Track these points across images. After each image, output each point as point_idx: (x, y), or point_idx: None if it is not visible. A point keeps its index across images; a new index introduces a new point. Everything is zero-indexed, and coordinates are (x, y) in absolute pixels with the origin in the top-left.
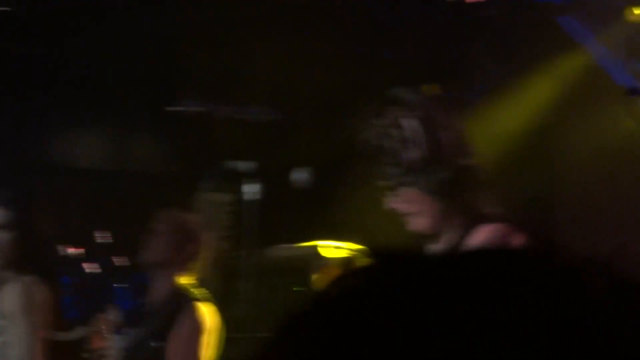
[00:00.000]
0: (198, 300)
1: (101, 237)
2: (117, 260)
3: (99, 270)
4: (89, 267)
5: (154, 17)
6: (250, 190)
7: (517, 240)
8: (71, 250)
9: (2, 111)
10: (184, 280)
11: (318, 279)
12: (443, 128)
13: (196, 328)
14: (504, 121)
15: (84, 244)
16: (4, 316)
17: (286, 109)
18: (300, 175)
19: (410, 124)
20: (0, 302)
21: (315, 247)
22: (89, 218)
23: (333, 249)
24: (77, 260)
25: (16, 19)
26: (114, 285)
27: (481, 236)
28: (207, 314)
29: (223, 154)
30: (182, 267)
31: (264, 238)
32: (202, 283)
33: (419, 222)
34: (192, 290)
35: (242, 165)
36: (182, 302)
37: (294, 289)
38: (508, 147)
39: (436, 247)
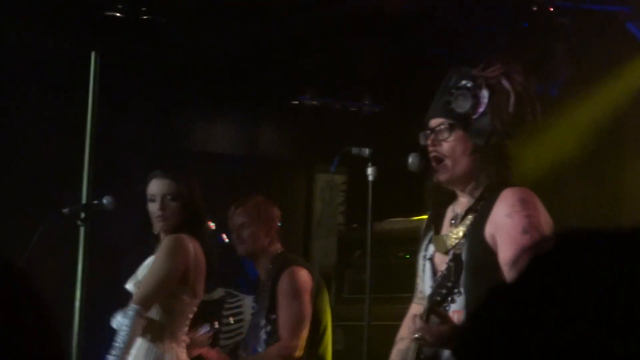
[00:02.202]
0: (295, 263)
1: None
2: None
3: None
4: (225, 238)
5: (281, 23)
6: (372, 172)
7: (539, 203)
8: (210, 224)
9: (152, 106)
10: (278, 248)
11: None
12: (531, 107)
13: (295, 287)
14: (577, 119)
15: (218, 219)
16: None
17: (392, 101)
18: (413, 160)
19: (511, 87)
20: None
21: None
22: (223, 197)
23: None
24: (215, 232)
25: (157, 25)
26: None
27: (511, 195)
28: (305, 275)
29: (337, 142)
30: (274, 242)
31: (379, 213)
32: (322, 251)
33: (451, 169)
34: (289, 257)
35: (366, 151)
36: (281, 267)
37: (406, 256)
38: (582, 143)
39: (458, 202)
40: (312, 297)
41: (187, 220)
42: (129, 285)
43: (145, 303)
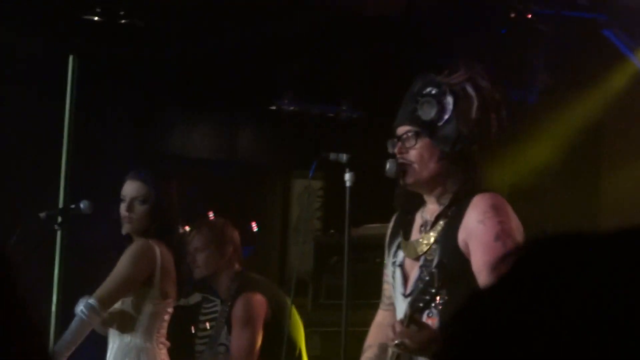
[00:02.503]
0: (250, 289)
1: (212, 217)
2: None
3: None
4: None
5: (259, 28)
6: (349, 178)
7: (510, 208)
8: (186, 228)
9: (130, 110)
10: (237, 268)
11: None
12: (496, 112)
13: (247, 315)
14: (555, 126)
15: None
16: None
17: (370, 107)
18: (391, 166)
19: (475, 92)
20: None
21: None
22: (200, 201)
23: None
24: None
25: (136, 29)
26: None
27: (483, 202)
28: (259, 301)
29: (315, 147)
30: (231, 264)
31: (356, 218)
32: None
33: (418, 173)
34: (246, 279)
35: (343, 157)
36: (237, 291)
37: (377, 260)
38: (560, 150)
39: (426, 208)
40: (269, 320)
41: (155, 224)
42: None
43: (103, 300)
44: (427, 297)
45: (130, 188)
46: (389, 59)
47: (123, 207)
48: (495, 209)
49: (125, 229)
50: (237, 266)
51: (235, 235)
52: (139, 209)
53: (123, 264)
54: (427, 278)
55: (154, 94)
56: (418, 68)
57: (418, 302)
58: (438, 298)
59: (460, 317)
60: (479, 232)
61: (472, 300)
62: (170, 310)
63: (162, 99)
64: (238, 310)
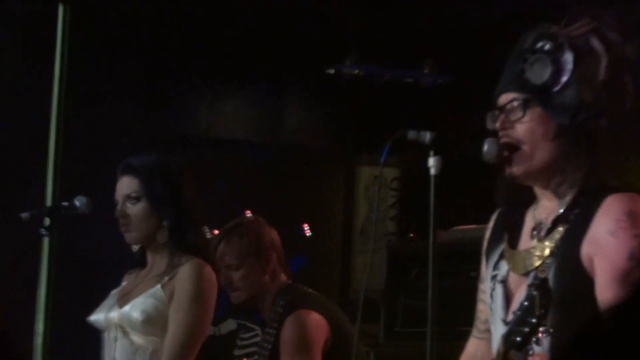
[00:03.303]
0: (304, 305)
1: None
2: None
3: None
4: None
5: None
6: (435, 164)
7: None
8: (214, 233)
9: (140, 80)
10: (284, 280)
11: None
12: (631, 74)
13: (301, 339)
14: None
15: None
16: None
17: (460, 70)
18: (490, 146)
19: (604, 47)
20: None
21: None
22: (233, 196)
23: None
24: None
25: None
26: None
27: (616, 205)
28: (316, 321)
29: (388, 124)
30: (275, 276)
31: (444, 218)
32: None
33: (528, 158)
34: (298, 293)
35: (426, 136)
36: (286, 309)
37: (472, 274)
38: None
39: (540, 205)
40: (329, 348)
41: (167, 228)
42: (110, 316)
43: None
44: (527, 329)
45: (119, 187)
46: (487, 6)
47: (117, 213)
48: (633, 218)
49: (127, 240)
50: (283, 277)
51: (275, 235)
52: (133, 209)
53: (192, 301)
54: (527, 303)
55: (173, 58)
56: (525, 18)
57: (515, 335)
58: (541, 330)
59: (579, 356)
60: (608, 246)
61: (595, 335)
62: None
63: (183, 65)
64: (288, 332)
